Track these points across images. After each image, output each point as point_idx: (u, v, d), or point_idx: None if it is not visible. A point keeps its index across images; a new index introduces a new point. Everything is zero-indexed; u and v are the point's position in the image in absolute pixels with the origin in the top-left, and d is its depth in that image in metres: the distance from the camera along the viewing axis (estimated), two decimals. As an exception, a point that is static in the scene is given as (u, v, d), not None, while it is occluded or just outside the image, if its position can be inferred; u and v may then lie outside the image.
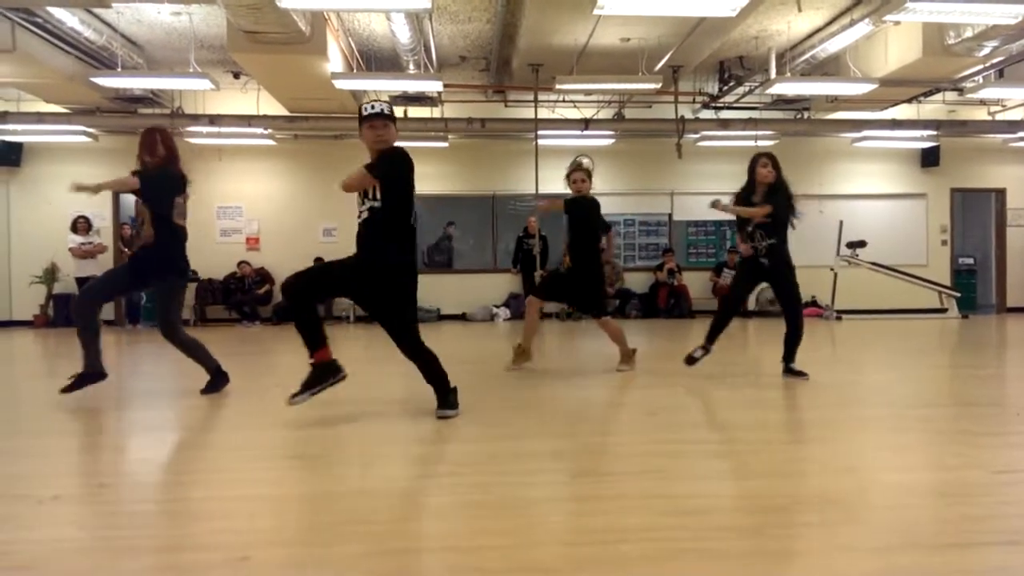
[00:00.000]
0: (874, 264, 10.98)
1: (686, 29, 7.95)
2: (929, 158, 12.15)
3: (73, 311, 4.13)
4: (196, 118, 10.46)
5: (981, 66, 8.72)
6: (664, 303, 11.43)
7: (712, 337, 4.85)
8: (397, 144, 3.50)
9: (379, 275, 3.42)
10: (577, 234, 5.15)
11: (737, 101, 10.83)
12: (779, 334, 4.76)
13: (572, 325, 10.18)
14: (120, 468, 2.89)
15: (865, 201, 12.21)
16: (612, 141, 11.45)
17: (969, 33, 7.61)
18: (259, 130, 10.58)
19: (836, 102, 10.60)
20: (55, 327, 10.52)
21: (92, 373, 4.05)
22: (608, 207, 11.39)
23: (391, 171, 3.42)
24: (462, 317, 11.62)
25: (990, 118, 11.67)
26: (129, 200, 10.48)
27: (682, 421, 3.74)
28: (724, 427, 3.49)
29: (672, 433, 3.37)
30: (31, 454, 3.02)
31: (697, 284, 11.73)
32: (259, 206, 11.56)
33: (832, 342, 7.84)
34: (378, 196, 3.39)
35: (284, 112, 10.47)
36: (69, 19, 7.63)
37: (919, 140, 11.71)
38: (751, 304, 11.05)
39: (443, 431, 3.31)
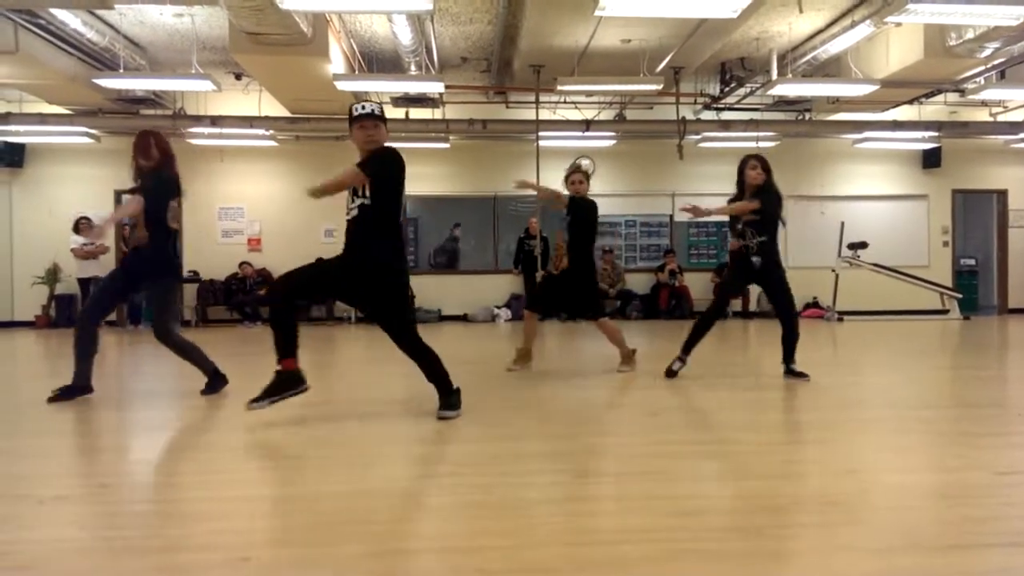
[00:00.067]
0: (875, 265, 10.97)
1: (687, 30, 7.95)
2: (930, 159, 12.14)
3: (77, 329, 4.12)
4: (198, 119, 10.47)
5: (982, 67, 8.71)
6: (665, 304, 11.42)
7: (689, 348, 4.84)
8: (388, 144, 3.52)
9: (370, 274, 3.42)
10: (576, 235, 5.17)
11: (738, 102, 10.82)
12: (779, 335, 4.74)
13: (572, 326, 10.18)
14: (121, 468, 2.89)
15: (866, 202, 12.20)
16: (613, 142, 11.45)
17: (971, 34, 7.60)
18: (261, 131, 10.60)
19: (837, 103, 10.59)
20: (57, 328, 10.52)
21: (80, 387, 4.07)
22: (610, 208, 11.57)
23: (383, 170, 3.41)
24: (463, 318, 11.63)
25: (991, 119, 11.66)
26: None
27: (683, 422, 3.74)
28: (725, 428, 3.49)
29: (673, 434, 3.37)
30: (32, 454, 3.02)
31: (698, 285, 11.72)
32: (261, 207, 11.57)
33: (833, 343, 7.84)
34: (367, 194, 3.39)
35: (286, 113, 10.49)
36: (72, 20, 7.64)
37: (920, 141, 11.70)
38: (752, 305, 11.06)
39: (444, 431, 3.31)
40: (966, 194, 12.81)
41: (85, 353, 4.07)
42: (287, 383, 3.37)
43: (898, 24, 7.67)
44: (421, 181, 11.46)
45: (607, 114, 11.20)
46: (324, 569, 1.77)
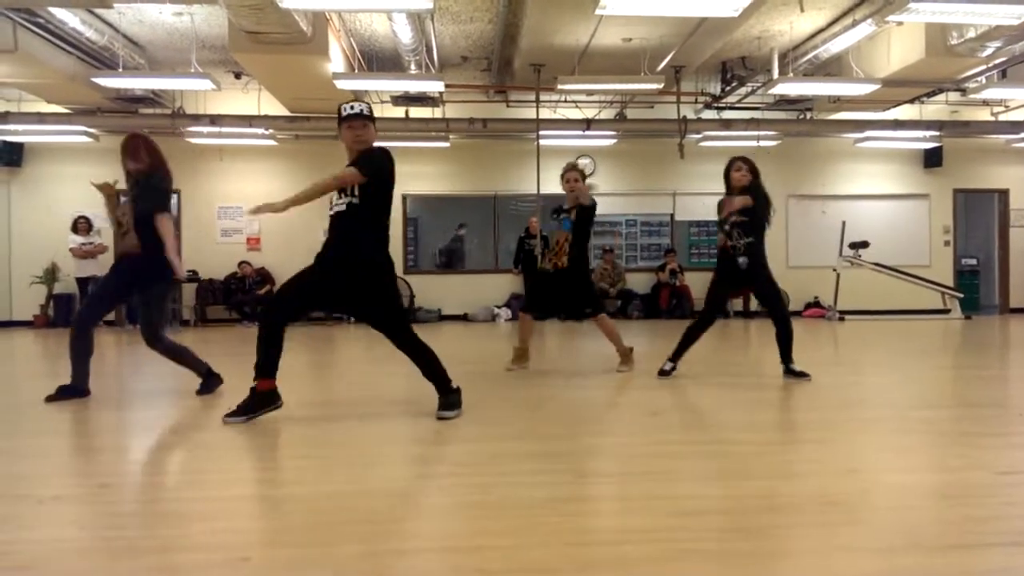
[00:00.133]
0: (877, 265, 10.96)
1: (688, 29, 7.94)
2: (932, 159, 12.13)
3: (72, 331, 4.12)
4: (197, 118, 10.46)
5: (984, 67, 8.70)
6: (666, 304, 11.41)
7: (678, 355, 4.84)
8: (379, 144, 3.53)
9: (358, 270, 3.41)
10: (578, 234, 5.18)
11: (739, 101, 10.81)
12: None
13: (572, 325, 10.17)
14: (120, 468, 2.88)
15: (868, 202, 12.19)
16: (614, 141, 11.45)
17: (972, 34, 7.59)
18: (260, 130, 10.59)
19: (839, 102, 10.58)
20: (55, 327, 10.52)
21: (77, 388, 4.08)
22: (610, 207, 11.58)
23: (378, 170, 3.43)
24: (463, 317, 11.62)
25: (993, 119, 11.65)
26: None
27: (683, 422, 3.74)
28: (725, 428, 3.48)
29: (673, 434, 3.37)
30: (31, 454, 3.01)
31: (699, 284, 11.64)
32: (260, 206, 11.55)
33: (834, 343, 7.83)
34: (356, 192, 3.40)
35: (285, 112, 10.48)
36: (71, 19, 7.63)
37: (922, 141, 11.69)
38: (752, 306, 11.04)
39: (443, 431, 3.30)
40: (967, 193, 12.80)
41: (81, 355, 4.08)
42: (264, 401, 3.43)
43: (899, 23, 7.66)
44: (421, 180, 11.45)
45: (608, 113, 11.19)
46: (324, 569, 1.76)
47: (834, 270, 10.85)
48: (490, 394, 4.28)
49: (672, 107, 10.78)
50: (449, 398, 3.54)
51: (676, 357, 4.85)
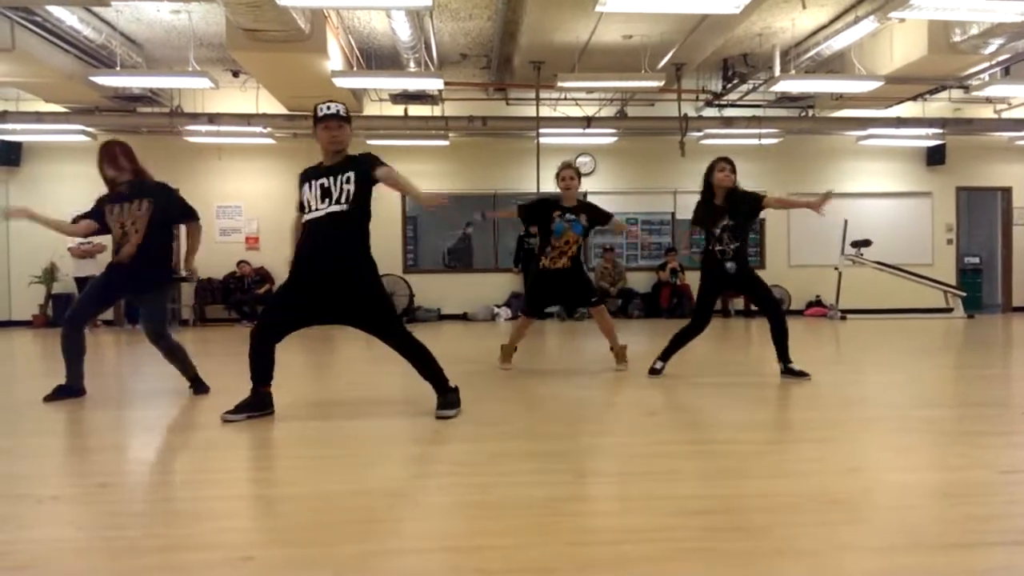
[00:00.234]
0: (879, 263, 10.94)
1: (689, 26, 7.92)
2: (934, 156, 12.10)
3: (63, 332, 4.11)
4: (195, 117, 10.43)
5: (987, 64, 8.67)
6: (667, 303, 11.40)
7: (668, 354, 4.85)
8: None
9: (351, 280, 3.39)
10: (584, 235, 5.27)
11: (741, 99, 10.78)
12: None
13: (572, 325, 10.17)
14: (119, 467, 2.88)
15: (870, 200, 12.16)
16: (614, 139, 11.41)
17: (975, 30, 7.57)
18: (258, 129, 10.56)
19: (841, 100, 10.55)
20: (54, 327, 10.49)
21: (72, 388, 4.08)
22: (611, 206, 11.41)
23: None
24: (463, 317, 11.61)
25: (996, 116, 11.61)
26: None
27: (683, 421, 3.73)
28: (725, 427, 3.47)
29: (673, 433, 3.36)
30: (31, 454, 3.01)
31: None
32: (258, 205, 11.53)
33: (836, 342, 7.82)
34: (350, 199, 3.36)
35: (283, 111, 10.45)
36: (68, 18, 7.62)
37: (924, 138, 11.67)
38: (752, 306, 11.03)
39: (443, 431, 3.30)
40: (970, 191, 12.75)
41: (73, 355, 4.09)
42: (263, 402, 3.47)
43: (902, 20, 7.65)
44: (420, 179, 11.36)
45: (608, 111, 11.16)
46: (323, 569, 1.76)
47: (836, 269, 10.82)
48: (489, 394, 4.27)
49: (673, 105, 10.76)
50: (447, 397, 3.53)
51: (666, 357, 4.86)
